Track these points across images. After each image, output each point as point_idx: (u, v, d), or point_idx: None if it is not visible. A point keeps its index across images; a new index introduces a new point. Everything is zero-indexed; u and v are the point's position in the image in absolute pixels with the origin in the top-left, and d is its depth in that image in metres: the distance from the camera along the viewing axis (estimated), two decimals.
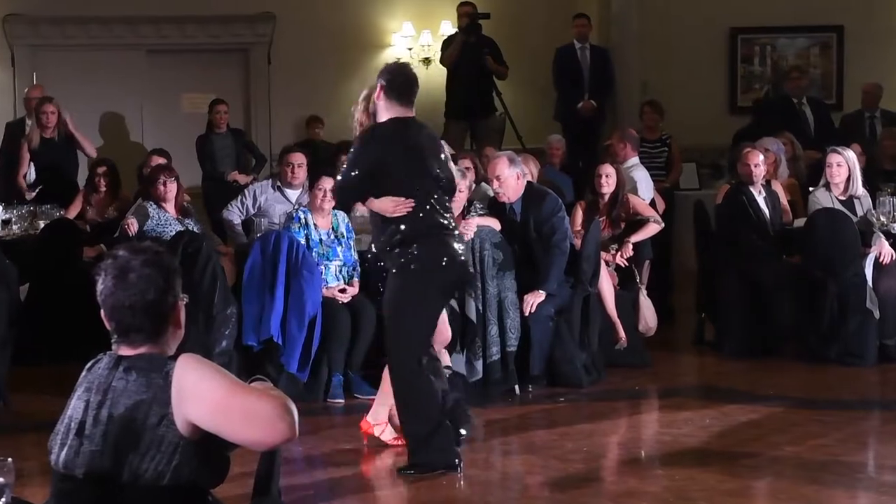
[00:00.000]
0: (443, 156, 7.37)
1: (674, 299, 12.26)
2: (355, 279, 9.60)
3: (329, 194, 9.21)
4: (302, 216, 9.61)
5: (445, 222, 7.20)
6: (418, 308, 7.17)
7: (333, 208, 9.40)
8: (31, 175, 13.31)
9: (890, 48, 16.12)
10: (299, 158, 10.89)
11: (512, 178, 9.57)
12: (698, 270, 11.61)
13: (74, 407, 3.85)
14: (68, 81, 14.92)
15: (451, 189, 7.42)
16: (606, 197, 10.55)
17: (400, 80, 7.30)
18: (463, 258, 7.31)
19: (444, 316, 7.50)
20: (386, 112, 7.25)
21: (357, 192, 7.30)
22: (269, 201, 10.80)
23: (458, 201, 9.54)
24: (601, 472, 7.72)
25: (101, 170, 11.82)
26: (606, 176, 10.54)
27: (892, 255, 10.33)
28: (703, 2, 16.05)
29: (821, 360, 10.25)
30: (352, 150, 7.38)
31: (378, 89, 7.27)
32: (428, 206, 7.14)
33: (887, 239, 10.43)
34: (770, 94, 16.08)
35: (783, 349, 10.56)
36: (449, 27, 15.45)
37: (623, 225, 10.58)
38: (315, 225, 9.55)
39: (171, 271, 3.88)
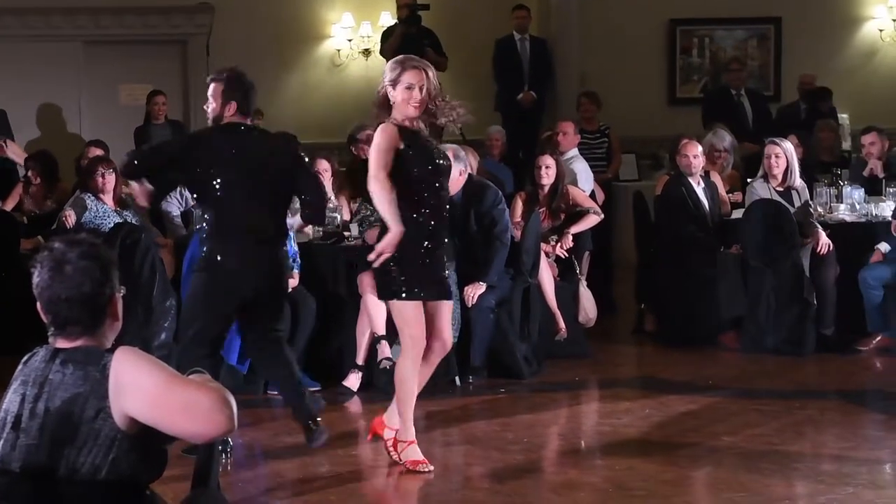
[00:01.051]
0: None
1: (613, 290, 12.31)
2: (295, 270, 9.56)
3: None
4: None
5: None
6: None
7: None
8: None
9: (826, 40, 16.24)
10: None
11: (454, 174, 9.56)
12: (638, 261, 11.67)
13: (10, 400, 3.81)
14: (4, 73, 14.80)
15: None
16: (546, 188, 10.57)
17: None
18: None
19: (447, 318, 7.37)
20: None
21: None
22: None
23: None
24: (542, 462, 7.74)
25: (32, 163, 11.74)
26: (546, 167, 10.55)
27: (829, 246, 10.41)
28: None
29: (759, 350, 10.32)
30: None
31: None
32: None
33: (824, 230, 10.50)
34: (708, 86, 16.18)
35: (722, 339, 10.60)
36: (389, 18, 15.42)
37: (563, 216, 10.60)
38: None
39: (108, 263, 3.86)
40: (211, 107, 7.41)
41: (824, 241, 10.41)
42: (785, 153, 10.74)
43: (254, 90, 7.45)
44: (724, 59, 16.11)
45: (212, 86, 7.42)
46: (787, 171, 10.74)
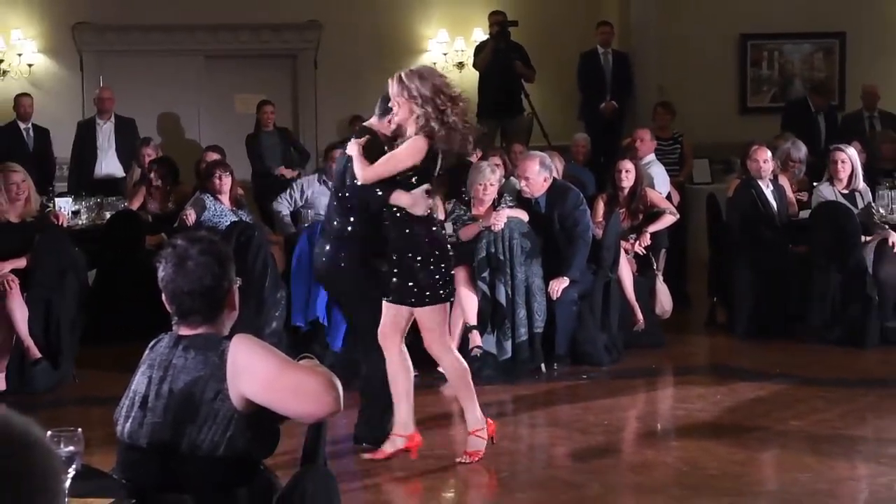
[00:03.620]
0: None
1: (688, 285, 12.23)
2: None
3: None
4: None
5: None
6: None
7: None
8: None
9: (888, 53, 16.03)
10: None
11: (539, 179, 9.57)
12: (710, 258, 11.59)
13: (138, 382, 3.86)
14: (132, 84, 14.99)
15: None
16: (626, 191, 10.53)
17: None
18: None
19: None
20: None
21: None
22: (315, 194, 10.83)
23: (489, 194, 9.57)
24: (621, 443, 7.71)
25: (156, 167, 11.87)
26: (626, 171, 10.52)
27: None
28: (715, 10, 15.97)
29: (824, 341, 10.22)
30: None
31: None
32: None
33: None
34: (777, 97, 16.07)
35: (789, 331, 10.52)
36: (481, 34, 15.42)
37: (641, 216, 10.56)
38: None
39: (225, 258, 3.90)
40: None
41: (895, 240, 10.29)
42: (850, 158, 10.67)
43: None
44: (793, 72, 15.99)
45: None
46: (852, 175, 10.66)
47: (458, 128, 6.65)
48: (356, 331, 7.46)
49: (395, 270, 6.80)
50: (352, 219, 7.02)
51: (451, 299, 7.09)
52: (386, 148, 6.88)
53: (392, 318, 6.89)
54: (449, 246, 6.98)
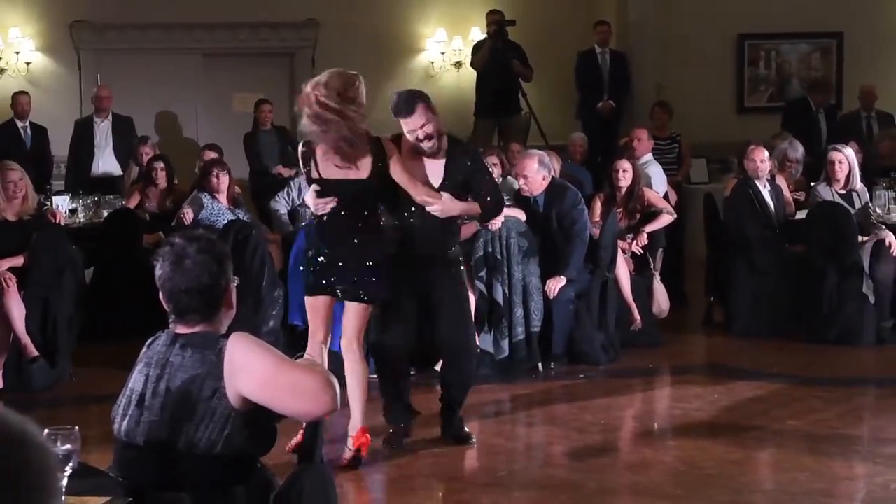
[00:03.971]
0: None
1: (685, 284, 12.23)
2: None
3: None
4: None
5: None
6: None
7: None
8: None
9: (886, 53, 16.03)
10: None
11: (538, 178, 9.55)
12: (708, 258, 11.60)
13: (135, 380, 3.86)
14: (130, 83, 14.97)
15: None
16: (623, 190, 10.53)
17: None
18: None
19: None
20: None
21: None
22: None
23: None
24: (617, 442, 7.71)
25: (158, 165, 11.85)
26: (623, 171, 10.52)
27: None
28: (713, 10, 15.98)
29: (821, 340, 10.23)
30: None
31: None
32: None
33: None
34: (774, 96, 16.07)
35: (786, 331, 10.52)
36: (478, 33, 15.41)
37: (638, 216, 10.56)
38: None
39: (223, 257, 3.89)
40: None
41: (892, 240, 10.30)
42: (847, 158, 10.68)
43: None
44: (790, 72, 16.01)
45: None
46: (849, 175, 10.66)
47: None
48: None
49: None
50: None
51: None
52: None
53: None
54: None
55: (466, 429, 7.43)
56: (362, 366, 7.00)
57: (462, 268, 7.49)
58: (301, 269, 7.08)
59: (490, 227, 9.17)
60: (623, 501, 6.52)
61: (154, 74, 15.37)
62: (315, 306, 7.02)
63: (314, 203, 6.92)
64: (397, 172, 6.90)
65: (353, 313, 6.95)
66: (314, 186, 6.92)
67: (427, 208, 6.97)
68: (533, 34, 15.05)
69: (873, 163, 12.28)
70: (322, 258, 6.89)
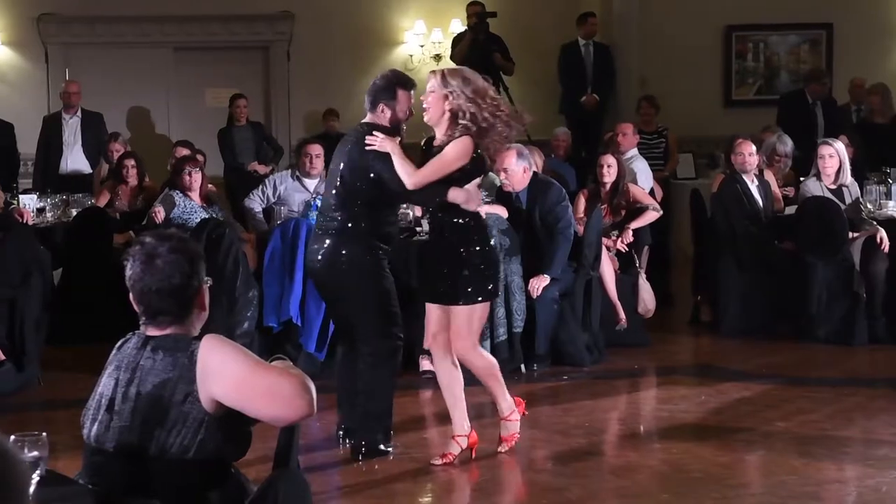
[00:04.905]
0: None
1: (671, 283, 12.26)
2: None
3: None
4: (320, 204, 9.61)
5: None
6: None
7: None
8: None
9: (876, 44, 16.08)
10: (317, 149, 10.89)
11: (519, 170, 9.56)
12: (694, 255, 11.63)
13: (105, 384, 3.85)
14: (99, 78, 14.95)
15: None
16: (608, 186, 10.55)
17: None
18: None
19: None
20: None
21: None
22: (288, 190, 10.81)
23: None
24: (602, 445, 7.72)
25: (129, 162, 11.83)
26: (608, 166, 10.54)
27: (886, 240, 10.33)
28: (699, 1, 16.01)
29: (811, 339, 10.26)
30: None
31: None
32: None
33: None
34: (763, 90, 16.11)
35: (775, 330, 10.55)
36: (459, 25, 15.43)
37: (623, 212, 10.58)
38: None
39: (195, 257, 3.89)
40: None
41: (883, 236, 10.33)
42: (837, 153, 10.70)
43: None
44: (779, 64, 16.07)
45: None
46: (839, 170, 10.69)
47: (497, 127, 6.81)
48: (349, 330, 7.37)
49: (465, 272, 6.87)
50: (356, 211, 7.01)
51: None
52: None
53: (451, 320, 6.97)
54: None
55: None
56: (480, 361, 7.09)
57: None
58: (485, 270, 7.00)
59: None
60: None
61: (124, 69, 15.35)
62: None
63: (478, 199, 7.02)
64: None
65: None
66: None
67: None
68: (514, 26, 15.08)
69: (867, 116, 12.14)
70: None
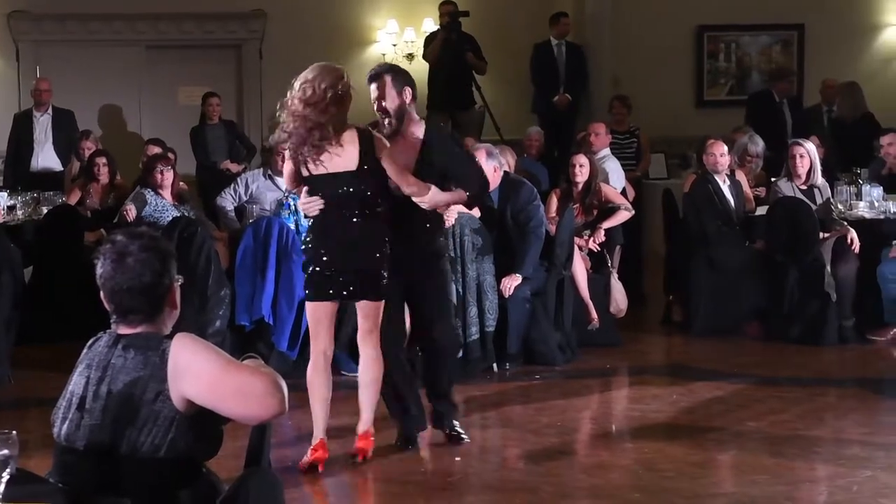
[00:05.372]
0: None
1: (643, 282, 12.28)
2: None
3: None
4: (292, 203, 9.61)
5: None
6: None
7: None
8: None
9: (847, 45, 16.15)
10: None
11: (489, 169, 9.54)
12: (666, 255, 11.65)
13: (75, 383, 3.84)
14: (70, 75, 14.91)
15: None
16: (580, 186, 10.56)
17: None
18: None
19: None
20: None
21: None
22: (260, 189, 10.78)
23: None
24: (575, 444, 7.73)
25: (100, 160, 11.77)
26: (580, 166, 10.55)
27: (857, 241, 10.36)
28: (671, 1, 16.05)
29: (782, 340, 10.29)
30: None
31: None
32: None
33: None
34: (734, 89, 16.17)
35: (747, 330, 10.58)
36: (431, 24, 15.43)
37: (595, 212, 10.59)
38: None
39: (167, 255, 3.88)
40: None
41: (854, 237, 10.36)
42: (808, 153, 10.73)
43: None
44: (750, 64, 16.13)
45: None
46: (810, 170, 10.72)
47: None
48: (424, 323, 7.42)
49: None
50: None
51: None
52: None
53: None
54: None
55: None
56: (377, 364, 6.95)
57: (446, 259, 7.47)
58: (304, 273, 6.95)
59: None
60: None
61: (96, 67, 15.31)
62: (318, 314, 6.87)
63: (303, 206, 6.92)
64: (388, 164, 6.83)
65: (366, 312, 6.87)
66: (304, 188, 6.89)
67: (414, 200, 6.92)
68: (487, 26, 15.09)
69: (879, 168, 12.02)
70: (324, 259, 6.79)
